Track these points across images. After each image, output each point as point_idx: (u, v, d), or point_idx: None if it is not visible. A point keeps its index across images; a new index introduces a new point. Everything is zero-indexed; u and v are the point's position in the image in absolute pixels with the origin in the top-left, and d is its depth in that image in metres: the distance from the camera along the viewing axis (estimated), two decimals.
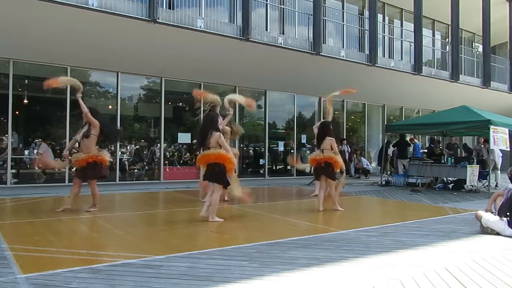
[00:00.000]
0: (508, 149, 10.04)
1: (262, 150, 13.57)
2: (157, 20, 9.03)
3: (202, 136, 5.81)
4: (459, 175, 10.52)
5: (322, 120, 7.73)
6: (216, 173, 5.68)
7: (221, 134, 5.77)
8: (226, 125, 6.98)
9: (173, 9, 9.99)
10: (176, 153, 12.33)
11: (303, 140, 14.38)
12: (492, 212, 5.44)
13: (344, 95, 7.43)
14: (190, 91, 12.56)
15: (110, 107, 11.17)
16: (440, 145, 13.60)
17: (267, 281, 3.26)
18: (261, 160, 13.55)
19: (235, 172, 6.11)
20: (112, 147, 11.10)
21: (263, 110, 13.59)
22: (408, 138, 14.39)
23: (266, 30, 11.82)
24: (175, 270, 3.48)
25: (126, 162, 11.87)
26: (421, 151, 14.71)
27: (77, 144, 6.72)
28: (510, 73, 18.14)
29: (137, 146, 12.13)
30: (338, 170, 7.16)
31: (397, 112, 17.87)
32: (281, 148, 14.46)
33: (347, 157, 14.94)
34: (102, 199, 7.93)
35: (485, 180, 10.85)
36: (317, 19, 11.97)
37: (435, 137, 13.75)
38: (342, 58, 12.58)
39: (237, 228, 5.56)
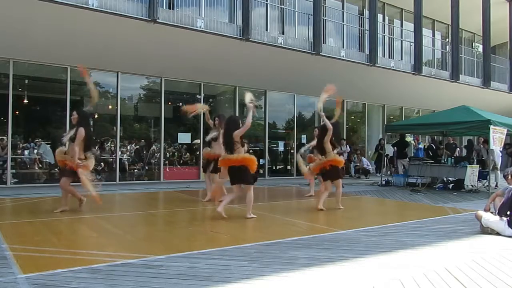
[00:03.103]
0: (500, 149, 10.06)
1: (262, 150, 13.57)
2: (157, 20, 9.03)
3: (228, 138, 5.89)
4: (459, 175, 10.52)
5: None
6: (241, 175, 5.82)
7: (236, 133, 5.88)
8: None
9: (173, 9, 9.99)
10: (176, 153, 12.33)
11: (303, 140, 14.39)
12: (491, 212, 5.45)
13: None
14: (190, 91, 12.67)
15: (110, 107, 11.17)
16: (442, 145, 13.60)
17: (267, 281, 3.26)
18: (261, 160, 13.54)
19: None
20: (112, 147, 11.12)
21: (263, 110, 13.59)
22: (412, 138, 14.40)
23: (266, 30, 11.82)
24: (175, 270, 3.48)
25: (126, 162, 11.87)
26: (421, 146, 14.72)
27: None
28: (510, 73, 18.15)
29: (137, 146, 12.13)
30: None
31: (397, 112, 17.87)
32: (281, 148, 14.46)
33: (346, 157, 14.95)
34: (102, 199, 7.92)
35: (485, 180, 10.84)
36: (317, 19, 11.97)
37: (435, 137, 13.74)
38: (342, 58, 12.59)
39: (237, 228, 5.55)
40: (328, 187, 7.14)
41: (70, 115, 9.91)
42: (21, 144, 10.30)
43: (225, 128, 6.15)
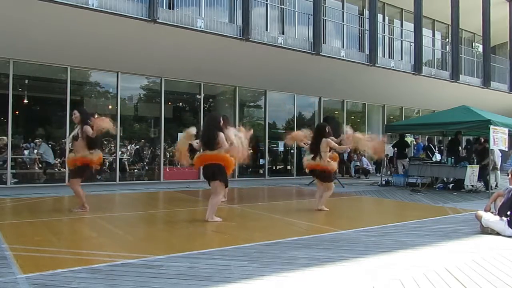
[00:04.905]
0: (507, 149, 10.07)
1: (262, 150, 13.56)
2: (157, 20, 9.03)
3: (207, 137, 5.77)
4: (459, 175, 10.52)
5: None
6: (216, 173, 5.68)
7: (223, 134, 5.74)
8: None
9: (173, 9, 9.99)
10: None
11: None
12: (491, 212, 5.45)
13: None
14: (190, 91, 12.67)
15: (110, 107, 11.17)
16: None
17: (267, 281, 3.26)
18: (261, 160, 13.54)
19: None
20: (113, 147, 11.13)
21: (263, 110, 13.60)
22: (412, 139, 14.35)
23: (266, 30, 11.82)
24: (175, 270, 3.48)
25: (126, 162, 11.87)
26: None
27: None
28: (510, 73, 18.14)
29: (137, 146, 12.13)
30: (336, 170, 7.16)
31: (397, 112, 17.87)
32: (281, 148, 14.45)
33: (346, 157, 14.96)
34: (102, 199, 7.97)
35: None
36: (317, 19, 11.97)
37: (435, 137, 13.72)
38: (342, 58, 12.58)
39: (237, 228, 5.56)
40: (320, 187, 7.09)
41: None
42: (21, 144, 10.30)
43: (205, 126, 6.04)
